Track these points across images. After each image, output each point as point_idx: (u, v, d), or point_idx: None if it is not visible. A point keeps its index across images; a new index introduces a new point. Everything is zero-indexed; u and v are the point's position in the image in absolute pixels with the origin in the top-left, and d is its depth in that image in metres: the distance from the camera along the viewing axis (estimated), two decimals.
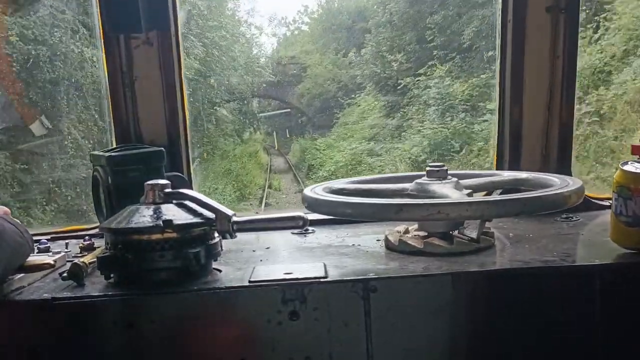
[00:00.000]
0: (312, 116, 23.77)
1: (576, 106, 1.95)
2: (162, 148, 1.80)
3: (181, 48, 1.93)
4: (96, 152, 1.80)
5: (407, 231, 1.61)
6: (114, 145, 1.90)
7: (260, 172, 19.49)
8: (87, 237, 1.73)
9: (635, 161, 1.41)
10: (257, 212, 2.33)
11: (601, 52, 9.01)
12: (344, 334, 1.33)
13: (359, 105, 18.92)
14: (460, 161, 11.64)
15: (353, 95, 19.79)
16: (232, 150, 17.91)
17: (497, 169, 2.00)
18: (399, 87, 15.66)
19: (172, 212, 1.39)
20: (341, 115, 20.57)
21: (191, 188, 1.80)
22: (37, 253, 1.56)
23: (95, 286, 1.38)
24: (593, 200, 1.92)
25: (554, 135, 1.94)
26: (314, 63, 24.37)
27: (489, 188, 1.72)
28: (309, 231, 1.80)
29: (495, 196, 1.74)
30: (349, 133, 18.06)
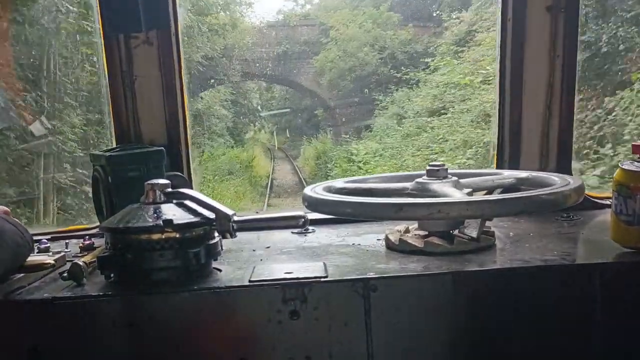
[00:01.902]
0: (335, 105, 15.30)
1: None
2: (162, 148, 1.80)
3: (181, 47, 1.93)
4: (96, 152, 1.80)
5: (407, 230, 1.61)
6: (114, 145, 1.90)
7: (251, 197, 12.08)
8: (87, 237, 1.73)
9: (635, 160, 1.41)
10: (257, 212, 2.33)
11: None
12: (344, 333, 1.33)
13: (425, 82, 10.90)
14: None
15: (425, 59, 11.11)
16: (220, 156, 12.60)
17: (497, 168, 2.00)
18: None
19: (172, 212, 1.39)
20: (389, 102, 12.71)
21: (191, 188, 1.80)
22: (37, 253, 1.56)
23: (95, 286, 1.38)
24: (593, 199, 1.92)
25: (554, 135, 1.94)
26: (341, 22, 15.32)
27: (489, 187, 1.72)
28: (309, 230, 1.80)
29: (496, 195, 1.74)
30: (418, 131, 10.04)
